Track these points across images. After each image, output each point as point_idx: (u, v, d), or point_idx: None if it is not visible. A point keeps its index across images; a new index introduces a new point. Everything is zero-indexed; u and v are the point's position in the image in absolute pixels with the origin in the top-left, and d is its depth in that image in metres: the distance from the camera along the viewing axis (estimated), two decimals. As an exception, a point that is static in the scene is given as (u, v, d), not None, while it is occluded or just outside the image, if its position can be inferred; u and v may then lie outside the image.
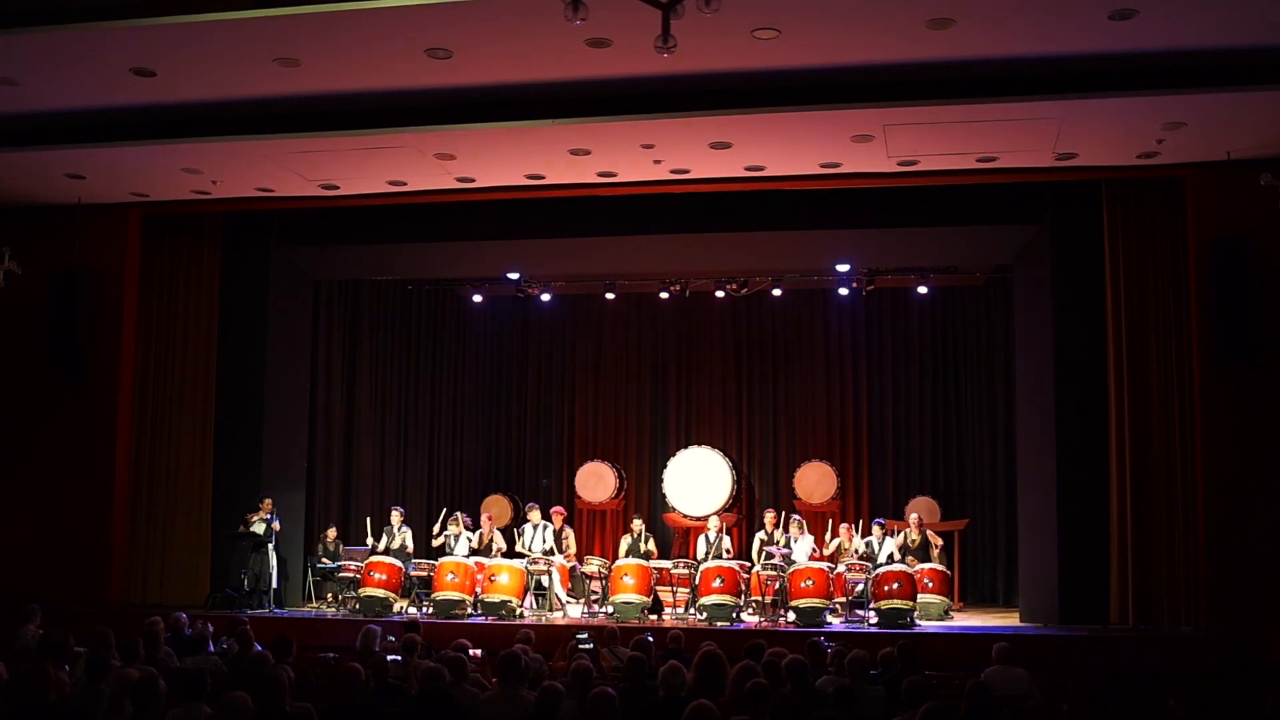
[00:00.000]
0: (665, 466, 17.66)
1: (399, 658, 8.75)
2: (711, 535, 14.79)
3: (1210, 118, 11.11)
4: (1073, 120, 11.17)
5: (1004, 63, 10.18)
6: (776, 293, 17.21)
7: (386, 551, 14.45)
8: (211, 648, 9.62)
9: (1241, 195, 12.18)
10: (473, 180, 13.23)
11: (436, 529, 15.01)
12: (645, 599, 13.67)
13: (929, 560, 14.19)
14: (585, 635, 10.16)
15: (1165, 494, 12.80)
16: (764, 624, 13.31)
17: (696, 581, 13.81)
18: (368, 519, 15.23)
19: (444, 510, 15.47)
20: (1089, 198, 13.33)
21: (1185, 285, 12.83)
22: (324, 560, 14.95)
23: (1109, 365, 13.15)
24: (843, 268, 15.81)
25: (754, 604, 13.86)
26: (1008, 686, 8.81)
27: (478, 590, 13.82)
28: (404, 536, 14.81)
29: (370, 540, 14.81)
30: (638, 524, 15.04)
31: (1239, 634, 11.78)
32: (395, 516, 15.00)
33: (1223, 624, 12.03)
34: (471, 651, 8.77)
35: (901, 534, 14.52)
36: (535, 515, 14.95)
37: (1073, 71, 10.32)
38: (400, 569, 14.03)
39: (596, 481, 17.88)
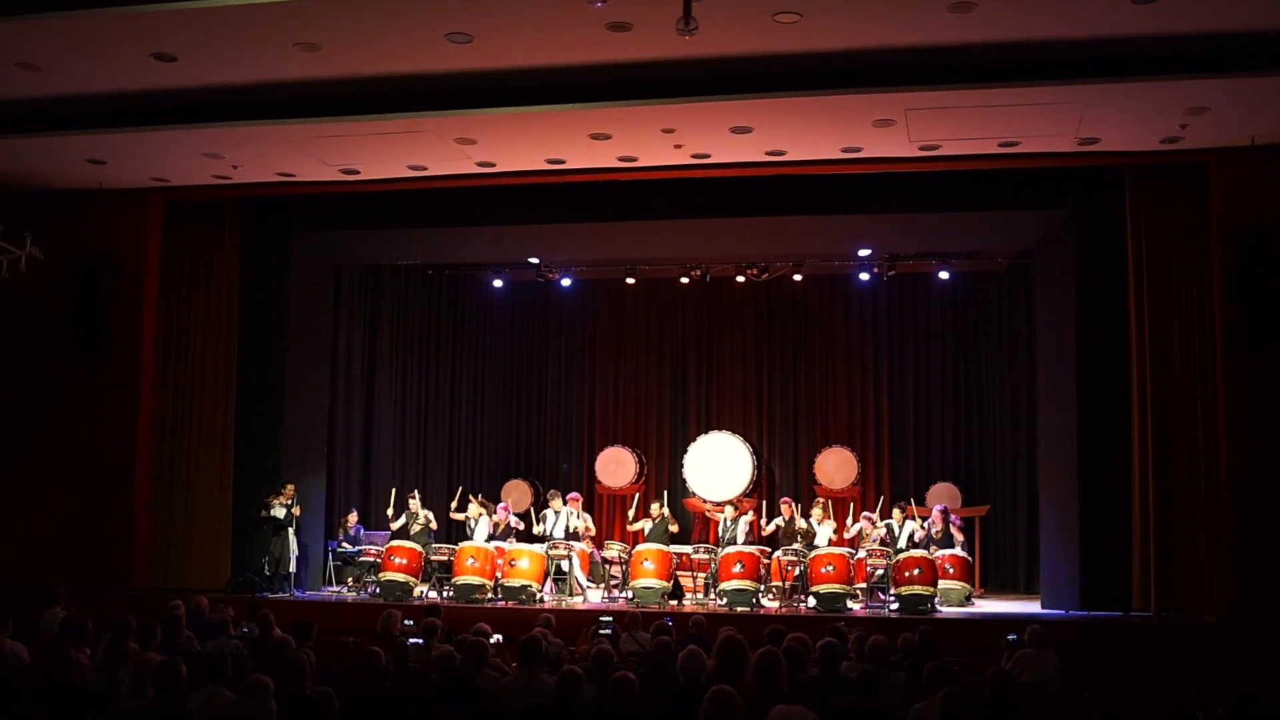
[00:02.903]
0: (686, 452, 17.63)
1: (420, 642, 8.76)
2: (727, 521, 14.79)
3: (1234, 102, 11.02)
4: (1095, 105, 11.10)
5: (1026, 47, 10.12)
6: (797, 278, 17.15)
7: (405, 532, 14.50)
8: (232, 631, 9.65)
9: (1266, 180, 12.12)
10: (493, 165, 13.22)
11: (455, 504, 15.12)
12: (665, 584, 13.67)
13: (951, 548, 14.15)
14: (610, 619, 10.19)
15: (1187, 481, 12.73)
16: (784, 609, 13.29)
17: (716, 567, 13.80)
18: (393, 490, 15.20)
19: (459, 490, 15.55)
20: (1111, 183, 13.25)
21: (1208, 271, 12.74)
22: (344, 544, 14.99)
23: (1131, 352, 13.08)
24: (864, 252, 15.77)
25: (774, 589, 13.84)
26: (1038, 671, 8.80)
27: (498, 575, 13.86)
28: (426, 516, 14.83)
29: (392, 518, 14.83)
30: (654, 508, 15.05)
31: (1260, 624, 11.71)
32: (413, 502, 15.03)
33: (1244, 613, 11.96)
34: (492, 638, 8.78)
35: (926, 524, 14.48)
36: (557, 502, 14.99)
37: (1096, 56, 10.26)
38: (420, 553, 14.08)
39: (617, 466, 17.87)
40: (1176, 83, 10.54)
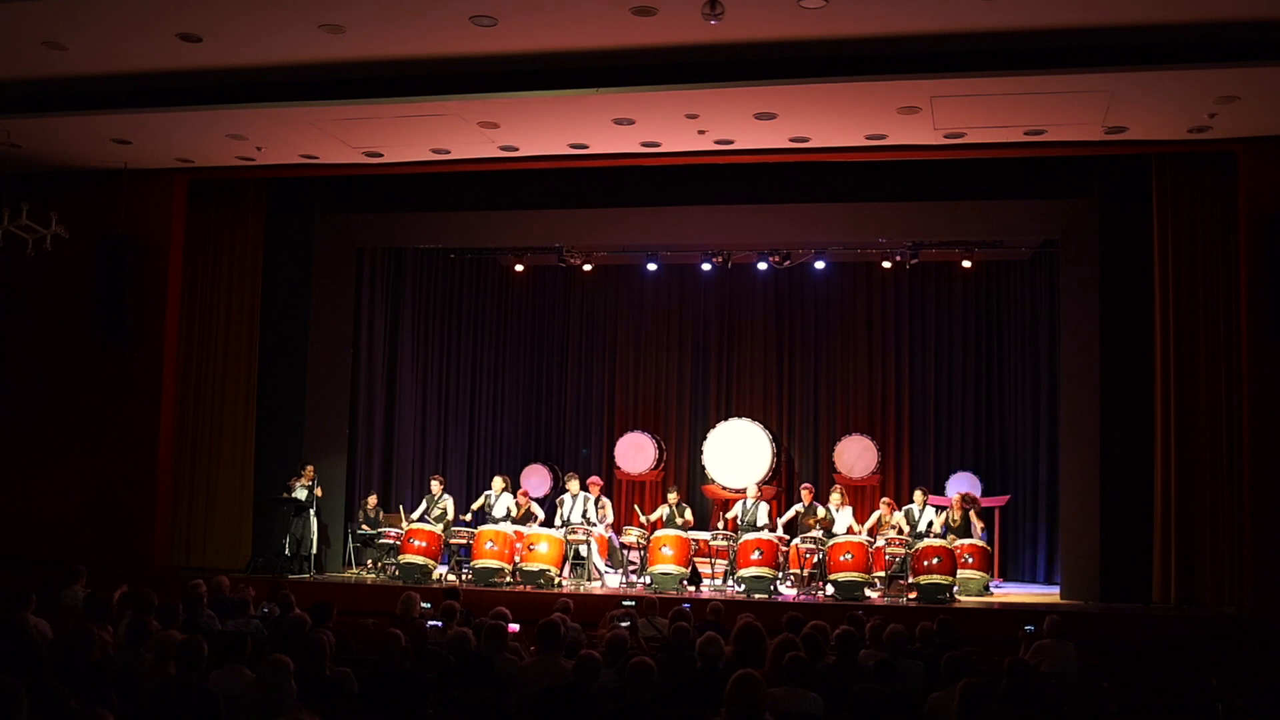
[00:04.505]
0: (705, 438, 17.63)
1: (439, 624, 8.79)
2: (748, 504, 14.78)
3: (1264, 91, 10.93)
4: (1123, 93, 11.02)
5: (1054, 34, 10.06)
6: (819, 265, 17.08)
7: (425, 520, 14.52)
8: (253, 611, 9.70)
9: (1294, 171, 12.02)
10: (516, 149, 13.21)
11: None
12: (683, 570, 13.68)
13: (969, 537, 14.12)
14: (633, 603, 10.19)
15: (1210, 472, 12.68)
16: (801, 597, 13.28)
17: (735, 553, 13.80)
18: (401, 508, 15.14)
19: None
20: (1138, 172, 13.19)
21: (1234, 260, 12.66)
22: (364, 527, 15.03)
23: (1155, 342, 13.02)
24: (887, 240, 15.71)
25: (792, 577, 13.84)
26: (1056, 661, 8.79)
27: (516, 559, 13.88)
28: (445, 504, 14.85)
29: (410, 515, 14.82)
30: (673, 495, 15.08)
31: (1283, 615, 11.67)
32: (435, 485, 15.05)
33: (1267, 605, 11.91)
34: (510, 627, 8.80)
35: (944, 512, 14.45)
36: (574, 485, 14.99)
37: (1123, 43, 10.18)
38: (440, 536, 14.10)
39: (636, 452, 17.88)
40: (1206, 71, 10.45)
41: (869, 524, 14.58)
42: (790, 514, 14.85)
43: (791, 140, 12.68)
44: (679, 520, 14.58)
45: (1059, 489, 14.81)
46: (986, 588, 13.75)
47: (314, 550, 14.38)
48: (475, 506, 15.07)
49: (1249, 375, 12.34)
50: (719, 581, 14.22)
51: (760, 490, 15.39)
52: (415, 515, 14.65)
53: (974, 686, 5.57)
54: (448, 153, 13.44)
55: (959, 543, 13.75)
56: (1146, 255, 13.13)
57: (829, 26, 9.96)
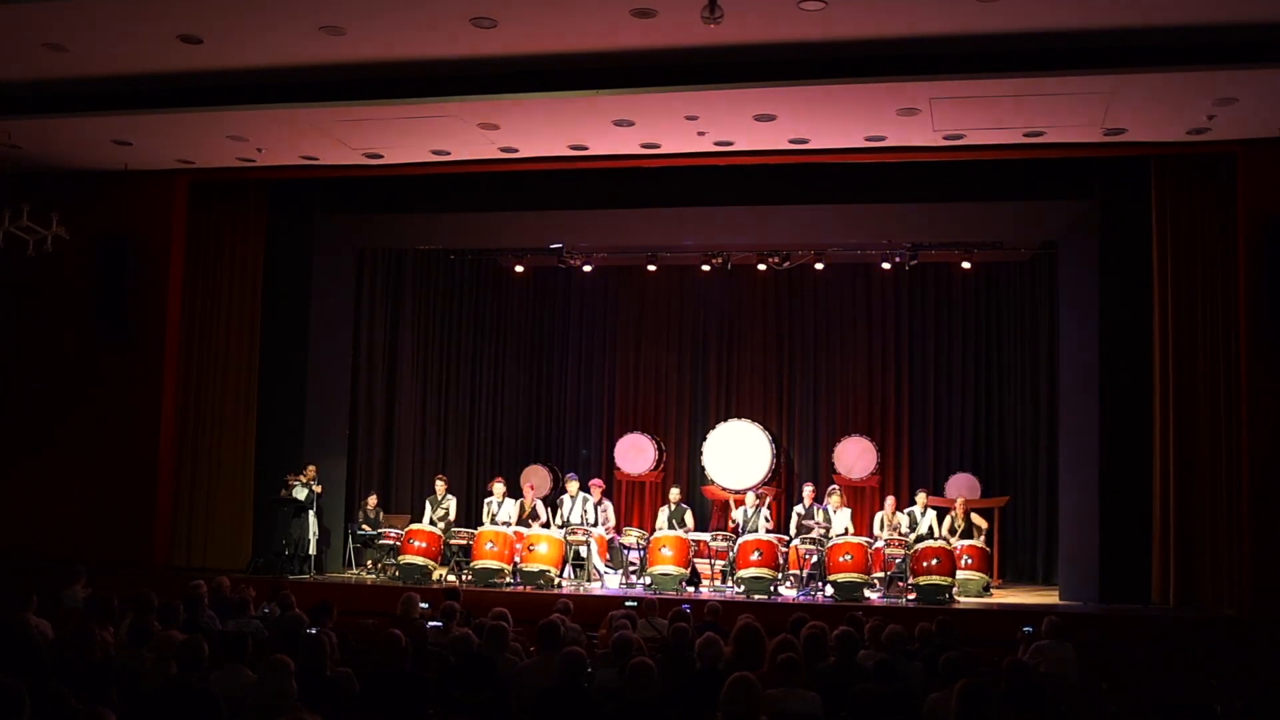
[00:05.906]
0: (705, 439, 17.63)
1: (439, 624, 8.81)
2: (749, 508, 14.79)
3: (1263, 93, 10.94)
4: (1122, 95, 11.04)
5: (1053, 36, 10.07)
6: (819, 266, 17.07)
7: (432, 521, 14.53)
8: (253, 611, 9.71)
9: (1293, 172, 12.03)
10: (516, 150, 13.23)
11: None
12: (683, 571, 13.69)
13: (972, 539, 14.14)
14: (635, 604, 10.20)
15: (1209, 473, 12.69)
16: (801, 598, 13.29)
17: (734, 554, 13.80)
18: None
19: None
20: (1138, 174, 13.20)
21: (1234, 262, 12.67)
22: (364, 527, 15.04)
23: (1154, 343, 13.04)
24: (886, 241, 15.71)
25: (792, 578, 13.84)
26: (1055, 662, 8.80)
27: (516, 559, 13.89)
28: (448, 505, 14.85)
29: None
30: (675, 493, 15.10)
31: (1281, 616, 11.68)
32: (440, 485, 15.06)
33: (1266, 606, 11.92)
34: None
35: (948, 517, 14.46)
36: (573, 486, 15.01)
37: (1122, 45, 10.19)
38: (440, 537, 14.11)
39: (636, 453, 17.87)
40: (1205, 73, 10.46)
41: (884, 522, 14.53)
42: (793, 519, 14.82)
43: (791, 142, 12.70)
44: (679, 521, 14.61)
45: (1058, 490, 14.81)
46: (986, 589, 13.77)
47: (311, 550, 14.37)
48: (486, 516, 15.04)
49: (1248, 377, 12.35)
50: (718, 582, 14.23)
51: (760, 493, 15.37)
52: (425, 520, 14.64)
53: (973, 687, 5.59)
54: (448, 154, 13.46)
55: (959, 544, 13.77)
56: (1146, 257, 13.14)
57: (828, 28, 9.97)
